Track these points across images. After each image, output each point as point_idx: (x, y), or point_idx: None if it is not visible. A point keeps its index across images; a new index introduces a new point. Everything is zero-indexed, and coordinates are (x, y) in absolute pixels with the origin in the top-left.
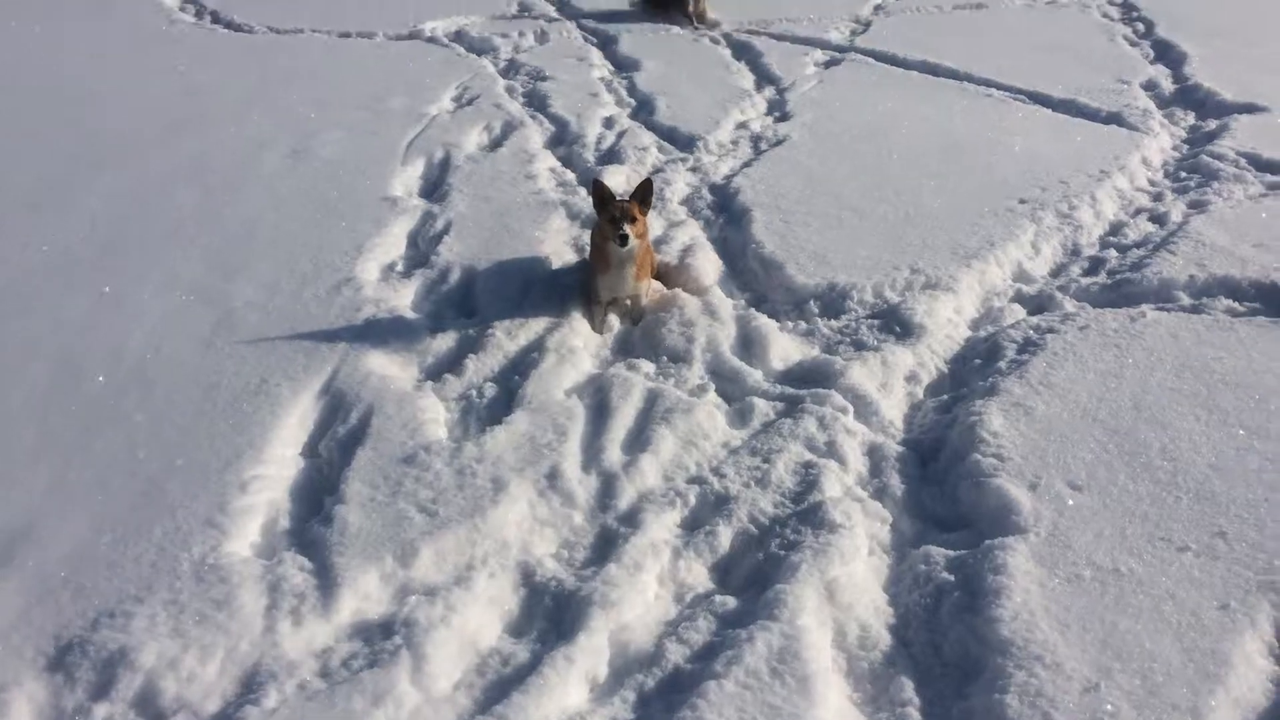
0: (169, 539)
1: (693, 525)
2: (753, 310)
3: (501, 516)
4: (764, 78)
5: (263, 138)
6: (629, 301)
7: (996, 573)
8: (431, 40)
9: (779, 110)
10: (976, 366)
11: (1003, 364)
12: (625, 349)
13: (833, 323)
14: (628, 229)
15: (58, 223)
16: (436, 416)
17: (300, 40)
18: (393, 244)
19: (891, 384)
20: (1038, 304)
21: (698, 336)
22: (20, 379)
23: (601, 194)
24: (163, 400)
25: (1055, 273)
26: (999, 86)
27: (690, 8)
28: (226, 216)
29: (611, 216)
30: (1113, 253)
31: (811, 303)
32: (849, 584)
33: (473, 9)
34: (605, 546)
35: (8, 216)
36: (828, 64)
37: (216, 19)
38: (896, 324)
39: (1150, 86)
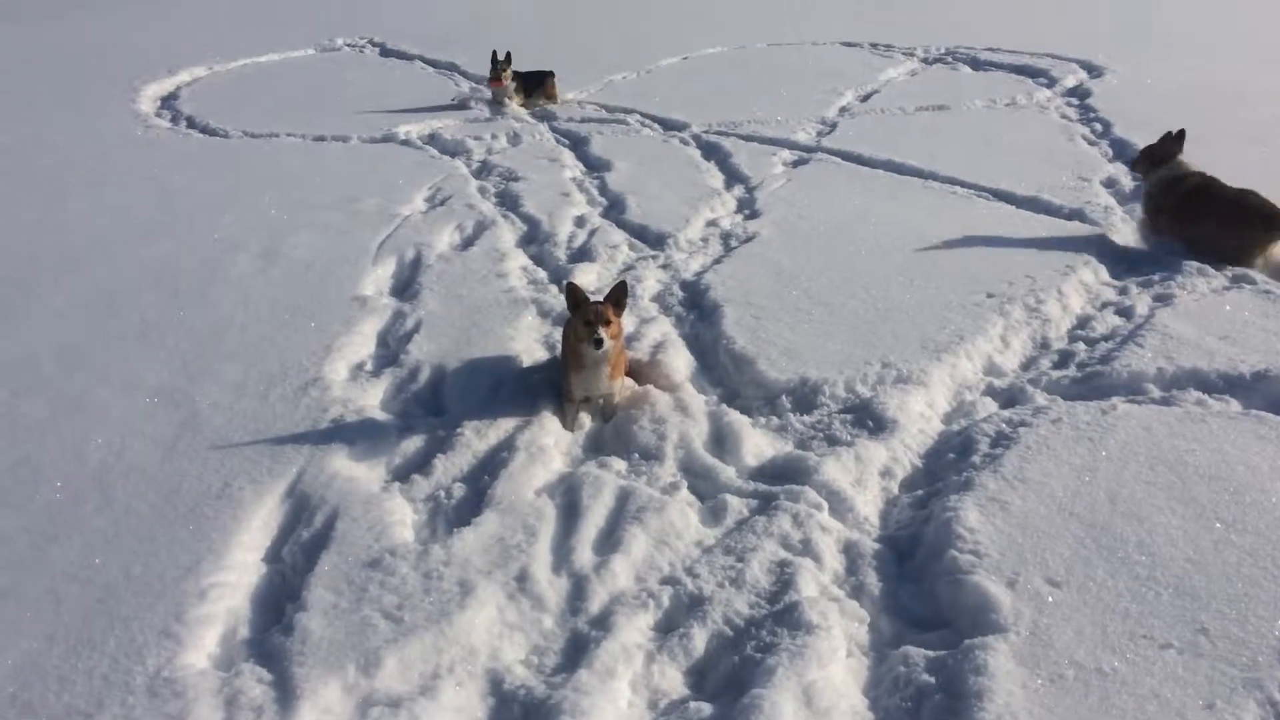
0: (123, 651)
1: (666, 627)
2: (724, 406)
3: (469, 621)
4: (733, 176)
5: (234, 240)
6: (602, 400)
7: (978, 674)
8: (405, 143)
9: (748, 208)
10: (950, 461)
11: (976, 458)
12: (597, 447)
13: (805, 418)
14: (602, 332)
15: (21, 325)
16: (403, 518)
17: (275, 144)
18: (362, 343)
19: (866, 479)
20: (1009, 397)
21: (669, 433)
22: None
23: (576, 297)
24: (122, 506)
25: (1025, 366)
26: (963, 184)
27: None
28: (194, 319)
29: (586, 319)
30: (1081, 346)
31: (783, 398)
32: (827, 687)
33: (447, 113)
34: (576, 651)
35: None
36: (795, 163)
37: (192, 124)
38: (869, 418)
39: (1110, 184)
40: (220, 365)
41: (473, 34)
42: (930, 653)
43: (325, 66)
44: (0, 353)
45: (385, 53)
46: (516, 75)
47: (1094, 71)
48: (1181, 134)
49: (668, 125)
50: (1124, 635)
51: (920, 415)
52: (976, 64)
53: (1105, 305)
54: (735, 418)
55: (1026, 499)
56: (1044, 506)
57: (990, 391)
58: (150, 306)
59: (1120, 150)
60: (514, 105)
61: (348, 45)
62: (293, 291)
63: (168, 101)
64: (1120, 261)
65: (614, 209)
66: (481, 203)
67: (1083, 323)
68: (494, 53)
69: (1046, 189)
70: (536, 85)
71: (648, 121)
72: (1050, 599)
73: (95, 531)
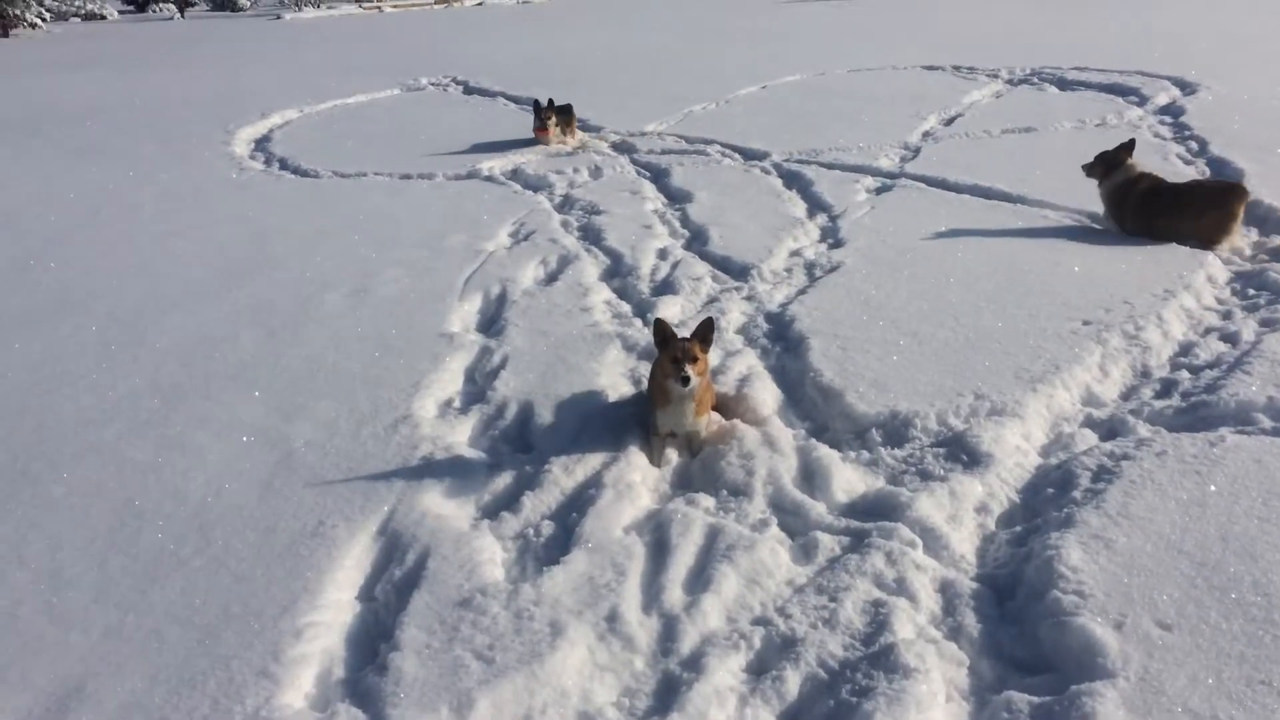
0: (223, 691)
1: (759, 669)
2: (813, 440)
3: (560, 662)
4: (816, 205)
5: (325, 278)
6: (688, 435)
7: None
8: (489, 179)
9: (832, 237)
10: (1050, 496)
11: (1077, 493)
12: (684, 483)
13: (896, 452)
14: (689, 369)
15: (128, 365)
16: (493, 556)
17: (363, 183)
18: (450, 380)
19: (961, 516)
20: (1110, 429)
21: (758, 469)
22: (83, 524)
23: (663, 333)
24: (221, 545)
25: (1126, 396)
26: (1053, 208)
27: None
28: (288, 357)
29: (673, 356)
30: (1185, 374)
31: (874, 431)
32: None
33: (529, 148)
34: (668, 693)
35: (80, 358)
36: (879, 190)
37: (284, 165)
38: (963, 452)
39: None
40: (314, 403)
41: (551, 70)
42: (1035, 699)
43: (410, 105)
44: (109, 392)
45: (468, 90)
46: (560, 113)
47: (1187, 89)
48: (1132, 143)
49: (748, 155)
50: (1240, 681)
51: (1016, 448)
52: (1063, 84)
53: (1209, 331)
54: (824, 452)
55: (1132, 536)
56: (1151, 544)
57: (1089, 423)
58: (247, 346)
59: (1218, 169)
60: (570, 143)
61: (432, 84)
62: (382, 329)
63: (261, 144)
64: (1223, 285)
65: (696, 240)
66: (564, 237)
67: (1185, 350)
68: (536, 101)
69: None
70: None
71: (728, 151)
72: (1160, 642)
73: (195, 571)
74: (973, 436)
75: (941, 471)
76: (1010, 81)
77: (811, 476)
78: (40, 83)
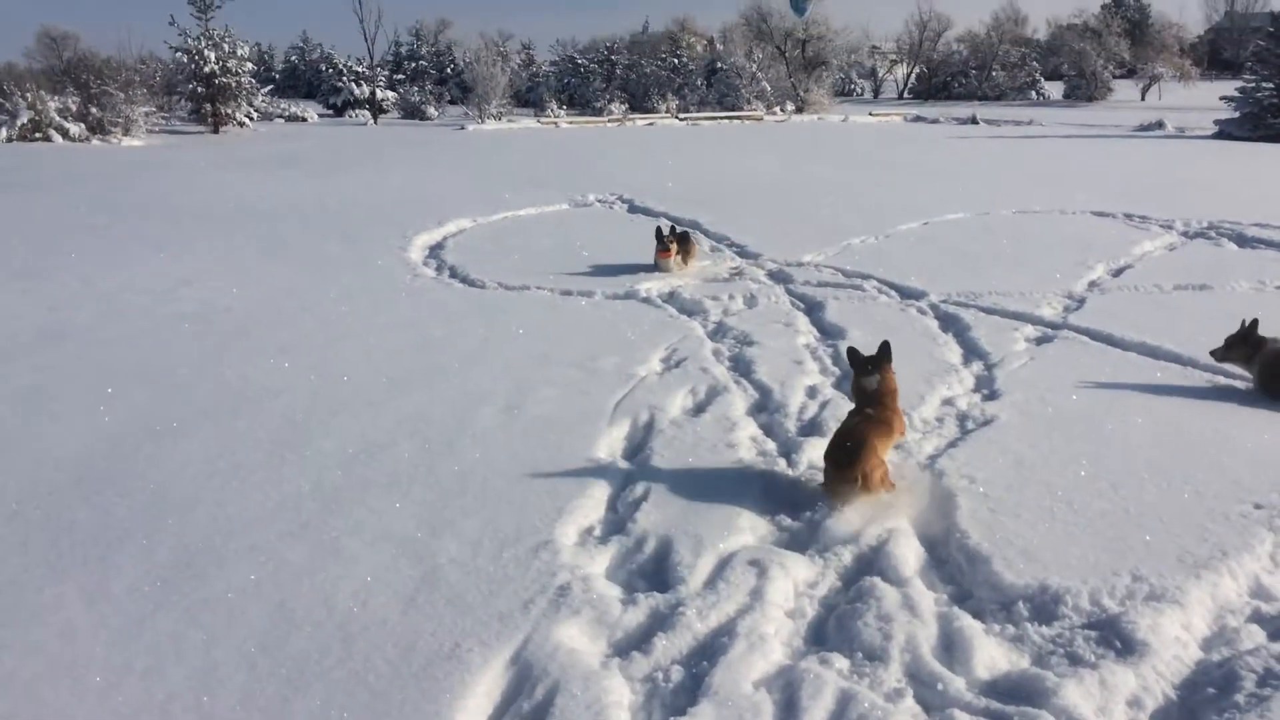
0: None
1: None
2: (956, 608)
3: None
4: (971, 351)
5: (482, 392)
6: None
7: None
8: (646, 300)
9: (987, 387)
10: (1210, 697)
11: (1240, 697)
12: (819, 639)
13: (1044, 630)
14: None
15: (294, 466)
16: (620, 699)
17: (525, 297)
18: (593, 508)
19: (1111, 708)
20: (1279, 628)
21: (896, 634)
22: (239, 623)
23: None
24: (362, 658)
25: None
26: (1226, 374)
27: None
28: (441, 470)
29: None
30: None
31: (1020, 604)
32: None
33: (687, 271)
34: None
35: (252, 454)
36: (1039, 340)
37: (454, 274)
38: (1116, 638)
39: None
40: (461, 520)
41: (713, 193)
42: None
43: (577, 221)
44: (274, 491)
45: (633, 209)
46: (679, 240)
47: None
48: (1254, 326)
49: (905, 293)
50: None
51: (1175, 639)
52: (1243, 240)
53: None
54: (967, 622)
55: None
56: None
57: (1257, 618)
58: (404, 456)
59: None
60: (683, 268)
61: (599, 201)
62: (532, 448)
63: (435, 250)
64: None
65: (847, 380)
66: (715, 366)
67: None
68: (658, 228)
69: None
70: (685, 245)
71: (884, 288)
72: None
73: (336, 684)
74: (1128, 621)
75: (1092, 657)
76: (1185, 234)
77: (952, 647)
78: (241, 178)
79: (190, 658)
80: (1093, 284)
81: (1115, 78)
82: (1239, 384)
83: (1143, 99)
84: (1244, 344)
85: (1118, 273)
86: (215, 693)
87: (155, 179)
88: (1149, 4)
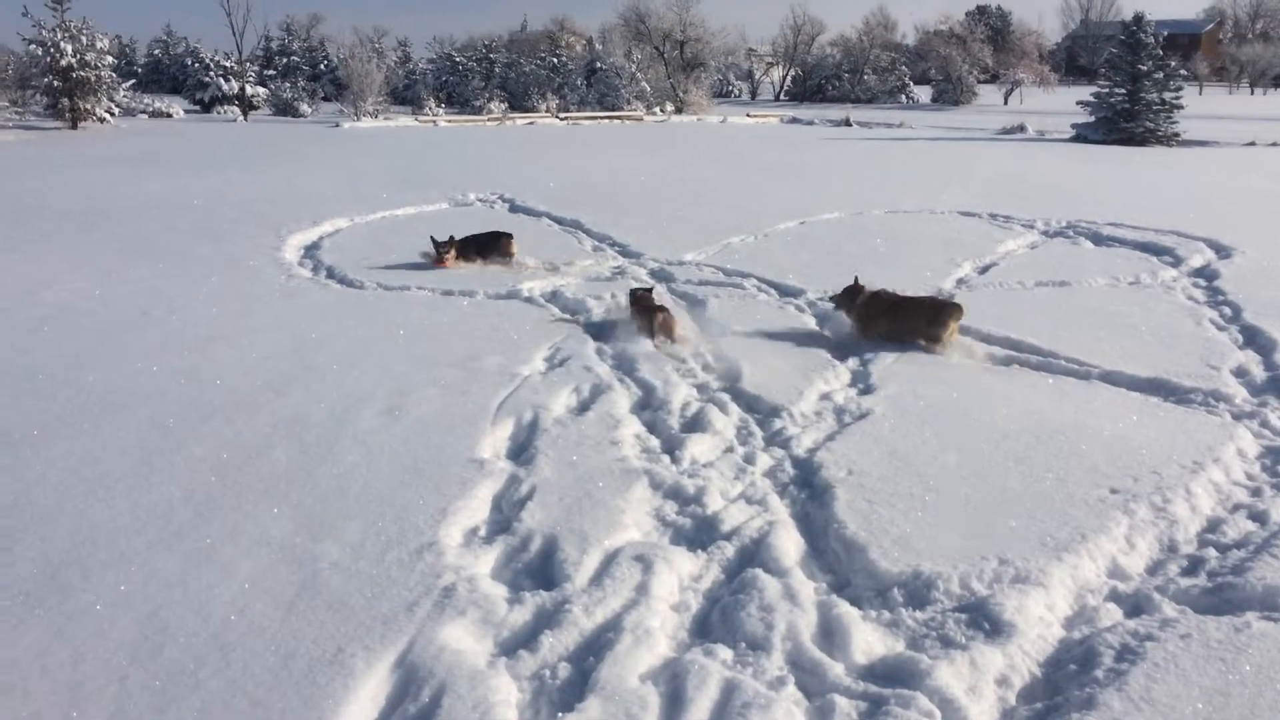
0: None
1: None
2: (834, 596)
3: None
4: (847, 348)
5: (361, 394)
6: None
7: None
8: (529, 300)
9: (863, 382)
10: (1072, 673)
11: (1099, 672)
12: (703, 631)
13: (918, 614)
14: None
15: (164, 473)
16: (508, 698)
17: (405, 297)
18: (477, 508)
19: (981, 688)
20: (1135, 604)
21: (778, 623)
22: (108, 636)
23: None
24: (240, 667)
25: (1152, 570)
26: (1083, 365)
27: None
28: (320, 474)
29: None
30: (1212, 552)
31: (895, 590)
32: None
33: (570, 270)
34: None
35: (119, 462)
36: None
37: (331, 274)
38: (985, 620)
39: (1241, 373)
40: (342, 524)
41: (593, 193)
42: None
43: (457, 220)
44: (143, 499)
45: (514, 208)
46: (467, 242)
47: (1222, 251)
48: (858, 281)
49: (784, 291)
50: None
51: (1039, 619)
52: (1098, 239)
53: (1237, 508)
54: (845, 610)
55: None
56: None
57: (1114, 597)
58: (280, 460)
59: (1251, 337)
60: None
61: (479, 200)
62: (414, 450)
63: (310, 251)
64: (1253, 460)
65: (728, 376)
66: (599, 364)
67: (1213, 526)
68: (432, 238)
69: (1173, 375)
70: (491, 247)
71: (764, 286)
72: None
73: (213, 694)
74: (996, 604)
75: (963, 639)
76: (1046, 233)
77: (831, 634)
78: (102, 176)
79: (57, 673)
80: (961, 281)
81: (980, 83)
82: (1098, 379)
83: (1005, 103)
84: (850, 298)
85: (984, 270)
86: (84, 708)
87: (8, 176)
88: (1010, 12)
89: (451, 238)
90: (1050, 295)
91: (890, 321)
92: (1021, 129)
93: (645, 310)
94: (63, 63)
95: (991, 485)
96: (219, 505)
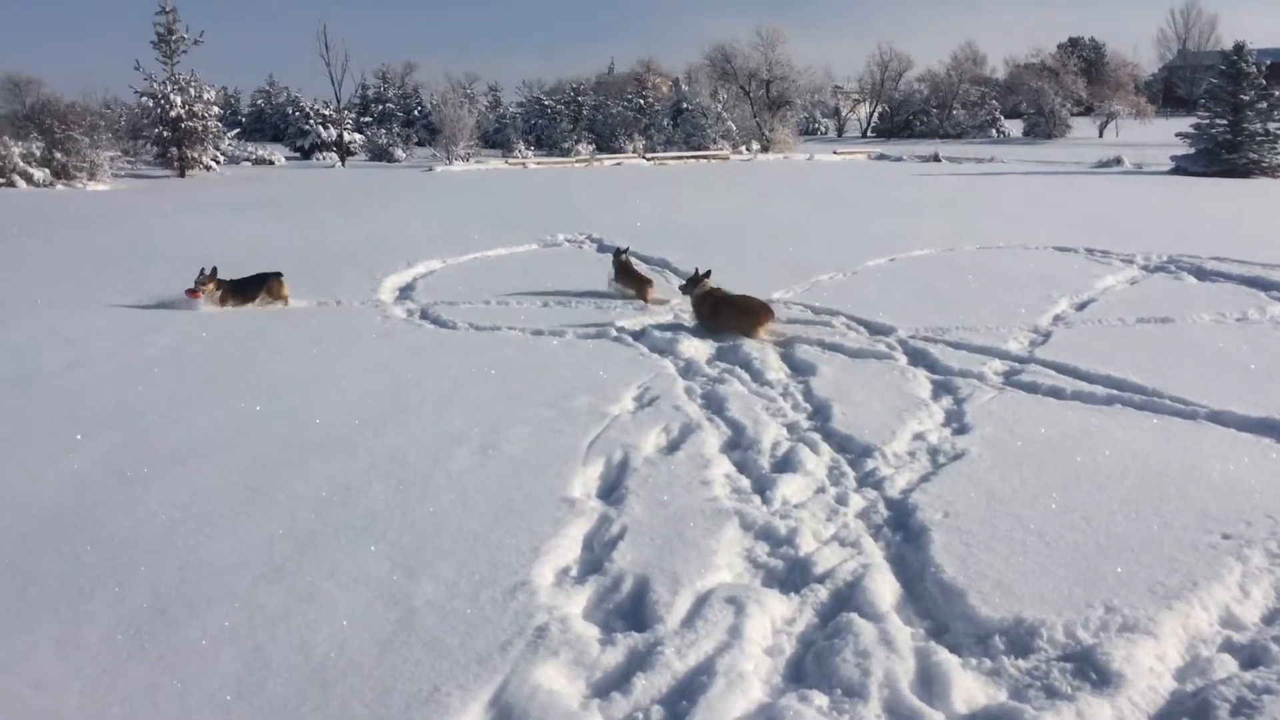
0: None
1: None
2: (932, 642)
3: None
4: (940, 386)
5: (455, 433)
6: None
7: None
8: (618, 339)
9: (957, 421)
10: None
11: None
12: (797, 676)
13: (1021, 663)
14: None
15: (266, 510)
16: None
17: (497, 337)
18: (569, 547)
19: None
20: (1251, 656)
21: (874, 669)
22: (213, 671)
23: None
24: (339, 703)
25: (1268, 620)
26: (1189, 405)
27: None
28: (416, 512)
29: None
30: None
31: (996, 638)
32: None
33: (662, 309)
34: None
35: (225, 499)
36: (1007, 374)
37: (424, 315)
38: (1092, 669)
39: None
40: (437, 562)
41: (680, 232)
42: None
43: (547, 261)
44: (247, 536)
45: (602, 248)
46: (231, 284)
47: None
48: (708, 272)
49: (874, 328)
50: None
51: (1149, 670)
52: (1202, 274)
53: None
54: (944, 657)
55: None
56: None
57: (1229, 647)
58: (377, 498)
59: None
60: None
61: (568, 240)
62: (507, 489)
63: (405, 292)
64: None
65: (818, 415)
66: (688, 404)
67: None
68: (202, 269)
69: None
70: (258, 287)
71: (853, 324)
72: None
73: None
74: (1103, 653)
75: (1069, 689)
76: (1146, 268)
77: (930, 682)
78: (209, 222)
79: (165, 706)
80: (1057, 318)
81: (1073, 115)
82: (1204, 418)
83: (1100, 136)
84: (692, 284)
85: (1081, 307)
86: None
87: (123, 223)
88: (1104, 43)
89: (214, 270)
90: (1152, 332)
91: (715, 316)
92: (1118, 162)
93: (634, 278)
94: (172, 113)
95: (1095, 529)
96: (319, 543)
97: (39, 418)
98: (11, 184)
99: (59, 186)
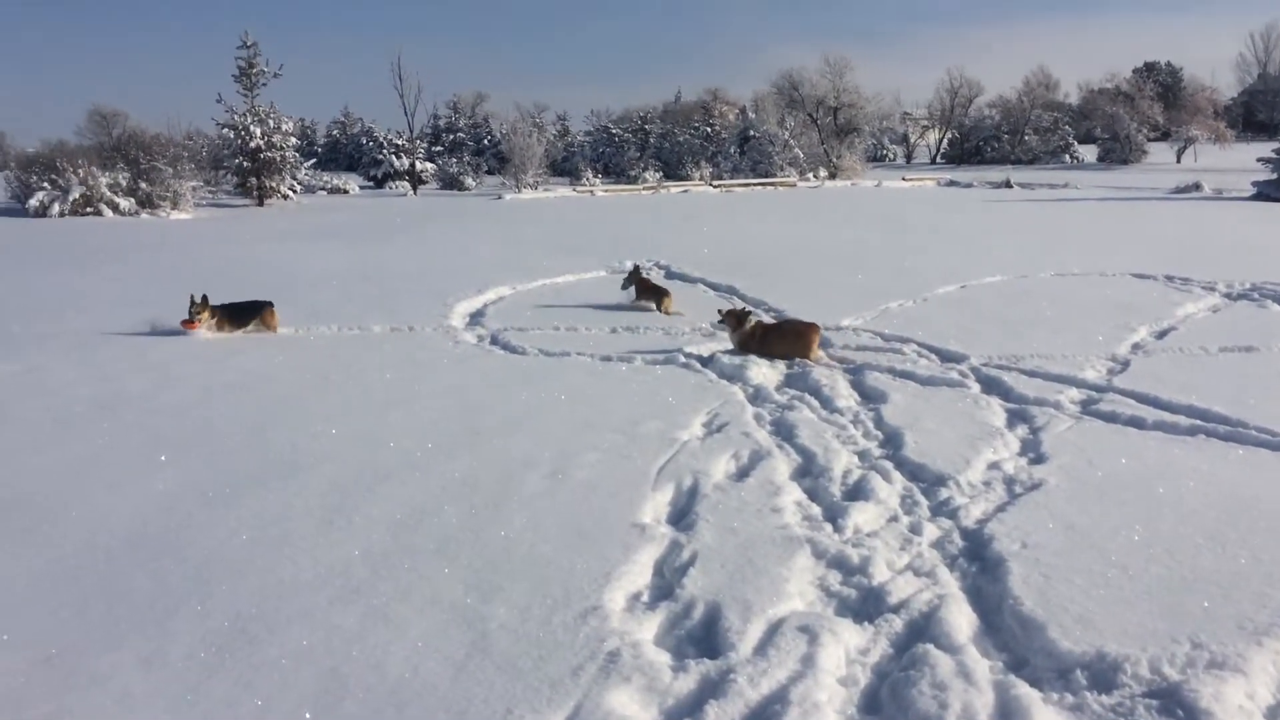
0: None
1: None
2: (1011, 675)
3: None
4: (1015, 415)
5: (526, 458)
6: None
7: None
8: (686, 365)
9: (1033, 451)
10: None
11: None
12: (872, 708)
13: (1104, 699)
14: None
15: (344, 531)
16: None
17: (565, 363)
18: (639, 573)
19: None
20: None
21: (952, 702)
22: (291, 689)
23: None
24: None
25: None
26: (1276, 436)
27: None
28: (488, 535)
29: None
30: None
31: (1078, 672)
32: None
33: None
34: None
35: (302, 521)
36: (1084, 403)
37: (495, 341)
38: (1179, 707)
39: None
40: (509, 585)
41: (748, 259)
42: None
43: (614, 287)
44: (324, 557)
45: (670, 275)
46: (222, 309)
47: None
48: (748, 311)
49: (945, 356)
50: None
51: (1239, 709)
52: None
53: None
54: (1024, 691)
55: None
56: None
57: None
58: (450, 521)
59: None
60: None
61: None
62: (578, 514)
63: (475, 318)
64: None
65: (889, 444)
66: (757, 430)
67: None
68: (191, 296)
69: None
70: (251, 315)
71: (924, 351)
72: None
73: None
74: (1190, 690)
75: None
76: (1228, 296)
77: (1009, 716)
78: (287, 250)
79: None
80: (1136, 346)
81: (1149, 140)
82: None
83: (1178, 161)
84: (735, 320)
85: (1161, 335)
86: None
87: (205, 251)
88: (1181, 68)
89: (205, 298)
90: (1236, 361)
91: (764, 346)
92: (1197, 187)
93: (652, 290)
94: (252, 144)
95: (1180, 563)
96: (394, 564)
97: (126, 439)
98: (99, 213)
99: (144, 215)
